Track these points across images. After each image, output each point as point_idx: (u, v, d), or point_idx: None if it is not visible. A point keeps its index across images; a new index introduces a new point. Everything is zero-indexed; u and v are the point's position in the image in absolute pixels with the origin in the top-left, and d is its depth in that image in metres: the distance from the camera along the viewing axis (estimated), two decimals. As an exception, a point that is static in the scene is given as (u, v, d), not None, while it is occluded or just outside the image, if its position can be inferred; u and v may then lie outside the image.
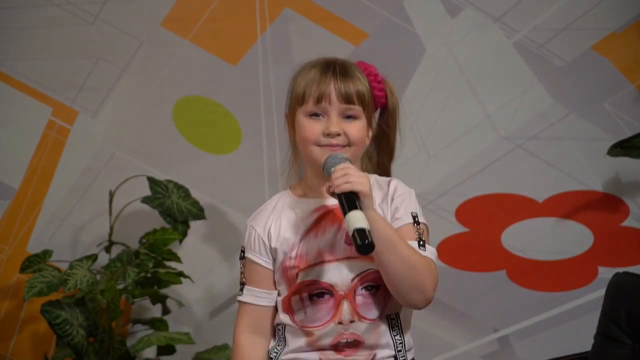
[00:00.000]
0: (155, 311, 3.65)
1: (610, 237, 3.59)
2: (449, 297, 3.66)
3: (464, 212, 3.63)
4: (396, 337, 2.19)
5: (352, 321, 2.15)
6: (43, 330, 3.67)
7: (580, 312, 3.60)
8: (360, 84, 2.20)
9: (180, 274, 3.44)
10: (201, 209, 3.55)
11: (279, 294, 2.23)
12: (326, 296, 2.16)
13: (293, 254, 2.18)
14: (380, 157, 2.33)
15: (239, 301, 2.25)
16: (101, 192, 3.60)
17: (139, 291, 3.42)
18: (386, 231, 2.08)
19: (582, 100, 3.57)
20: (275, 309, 2.24)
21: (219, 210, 3.70)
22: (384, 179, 2.27)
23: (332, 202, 2.18)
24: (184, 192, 3.53)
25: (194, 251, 3.66)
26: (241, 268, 2.27)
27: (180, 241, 3.54)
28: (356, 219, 2.02)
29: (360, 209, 2.03)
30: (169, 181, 3.53)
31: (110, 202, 3.52)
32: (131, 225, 3.58)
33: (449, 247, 3.63)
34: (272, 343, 2.23)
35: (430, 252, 2.17)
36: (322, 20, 3.59)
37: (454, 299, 3.65)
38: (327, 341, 2.16)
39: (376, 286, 2.16)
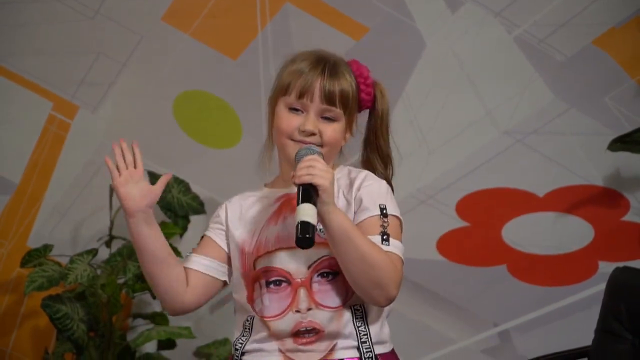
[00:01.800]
0: (156, 305, 3.65)
1: (611, 232, 3.59)
2: (449, 291, 3.66)
3: (464, 207, 3.63)
4: (360, 328, 2.14)
5: (309, 309, 2.12)
6: (43, 325, 3.67)
7: (580, 307, 3.60)
8: (347, 84, 2.19)
9: (181, 269, 3.43)
10: (201, 204, 3.55)
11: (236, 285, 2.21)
12: (283, 284, 2.13)
13: (253, 241, 2.17)
14: (372, 163, 2.30)
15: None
16: (101, 186, 3.59)
17: (140, 285, 3.42)
18: (343, 225, 2.04)
19: (582, 95, 3.57)
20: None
21: (220, 205, 3.69)
22: (358, 170, 2.24)
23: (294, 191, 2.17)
24: (184, 187, 3.54)
25: (194, 246, 3.64)
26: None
27: (181, 235, 3.54)
28: (305, 212, 1.99)
29: (315, 204, 2.01)
30: (170, 176, 3.52)
31: (111, 196, 3.52)
32: (132, 219, 3.58)
33: (450, 241, 3.63)
34: (237, 333, 2.21)
35: (395, 246, 2.11)
36: (322, 15, 3.59)
37: (454, 294, 3.65)
38: (287, 330, 2.13)
39: (333, 273, 2.12)
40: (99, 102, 3.70)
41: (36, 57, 3.68)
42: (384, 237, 2.11)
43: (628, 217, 3.59)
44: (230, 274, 2.23)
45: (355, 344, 2.14)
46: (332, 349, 2.14)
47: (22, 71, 3.68)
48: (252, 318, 2.18)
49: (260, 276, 2.15)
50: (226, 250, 2.23)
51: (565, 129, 3.58)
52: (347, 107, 2.19)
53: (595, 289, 3.54)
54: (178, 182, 3.53)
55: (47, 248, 3.47)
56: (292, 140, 2.16)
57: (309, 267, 2.13)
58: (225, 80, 3.68)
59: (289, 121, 2.17)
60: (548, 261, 3.62)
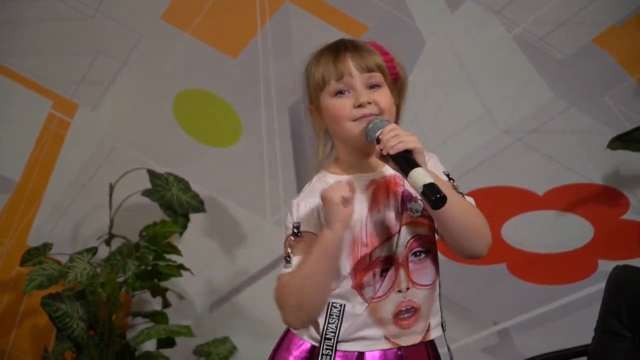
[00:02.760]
0: (156, 304, 3.66)
1: (610, 230, 3.59)
2: (449, 290, 3.64)
3: (464, 206, 3.62)
4: (441, 304, 2.22)
5: (408, 288, 2.15)
6: (43, 323, 3.67)
7: (580, 305, 3.60)
8: (375, 56, 2.19)
9: (181, 267, 3.44)
10: (201, 202, 3.55)
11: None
12: (391, 267, 2.15)
13: (362, 233, 2.15)
14: None
15: (281, 275, 2.14)
16: (101, 185, 3.60)
17: (139, 284, 3.42)
18: (443, 185, 2.05)
19: (582, 94, 3.57)
20: None
21: (219, 203, 3.70)
22: None
23: (381, 174, 2.18)
24: (184, 185, 3.53)
25: (194, 244, 3.66)
26: (288, 245, 2.17)
27: (181, 234, 3.54)
28: (422, 175, 1.99)
29: (419, 166, 2.02)
30: (169, 174, 3.53)
31: (111, 195, 3.52)
32: (131, 218, 3.58)
33: (449, 240, 3.63)
34: (322, 322, 2.16)
35: (473, 201, 2.18)
36: (322, 13, 3.59)
37: (454, 293, 3.65)
38: (390, 309, 2.15)
39: (425, 251, 2.17)
40: (98, 100, 3.70)
41: (36, 56, 3.68)
42: (463, 195, 2.16)
43: (628, 216, 3.59)
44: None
45: (440, 320, 2.23)
46: (427, 330, 2.20)
47: (21, 70, 3.68)
48: (343, 305, 2.17)
49: (376, 265, 2.15)
50: None
51: (565, 127, 3.58)
52: (384, 72, 2.18)
53: (595, 287, 3.54)
54: (178, 181, 3.53)
55: (46, 246, 3.47)
56: (353, 120, 2.13)
57: (405, 247, 2.15)
58: (225, 79, 3.68)
59: (342, 104, 2.15)
60: (548, 260, 3.62)
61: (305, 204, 2.18)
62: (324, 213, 2.12)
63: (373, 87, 2.16)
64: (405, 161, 2.02)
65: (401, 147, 2.03)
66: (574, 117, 3.57)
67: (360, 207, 2.15)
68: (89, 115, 3.70)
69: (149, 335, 3.37)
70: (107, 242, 3.55)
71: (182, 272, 3.45)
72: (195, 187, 3.57)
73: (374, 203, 2.16)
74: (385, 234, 2.15)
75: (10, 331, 3.73)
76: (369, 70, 2.16)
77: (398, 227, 2.14)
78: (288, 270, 2.15)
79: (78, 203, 3.72)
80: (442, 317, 2.24)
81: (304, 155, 3.67)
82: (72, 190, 3.72)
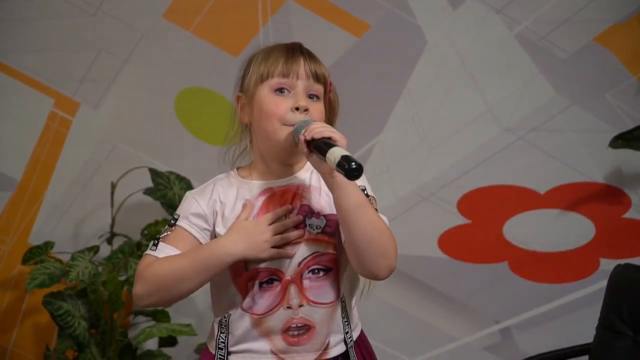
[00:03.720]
0: (157, 303, 3.65)
1: (612, 229, 3.59)
2: (450, 288, 3.66)
3: (465, 204, 3.63)
4: (344, 320, 2.15)
5: (300, 305, 2.10)
6: (45, 322, 3.67)
7: (581, 304, 3.60)
8: (324, 69, 2.16)
9: (182, 266, 3.44)
10: (203, 201, 3.54)
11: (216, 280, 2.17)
12: (274, 282, 2.11)
13: None
14: None
15: (147, 254, 2.15)
16: (103, 183, 3.60)
17: (141, 283, 3.41)
18: (357, 192, 2.02)
19: (583, 92, 3.57)
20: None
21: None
22: None
23: (279, 184, 2.14)
24: (186, 184, 3.53)
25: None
26: (163, 232, 2.18)
27: (182, 233, 3.54)
28: (341, 150, 1.95)
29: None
30: (171, 173, 3.53)
31: (112, 193, 3.52)
32: (133, 216, 3.58)
33: (451, 238, 3.63)
34: (216, 332, 2.18)
35: (386, 220, 2.10)
36: (323, 12, 3.58)
37: (455, 291, 3.65)
38: (277, 326, 2.11)
39: (325, 269, 2.11)
40: (100, 99, 3.70)
41: (37, 54, 3.68)
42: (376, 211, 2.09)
43: (629, 215, 3.59)
44: None
45: (342, 336, 2.15)
46: (326, 348, 2.14)
47: (23, 68, 3.68)
48: (229, 316, 2.16)
49: (254, 276, 2.12)
50: None
51: (567, 126, 3.58)
52: (325, 88, 2.15)
53: (596, 286, 3.54)
54: (179, 179, 3.52)
55: (48, 245, 3.47)
56: (285, 125, 2.09)
57: (299, 264, 2.10)
58: (227, 77, 3.66)
59: (278, 102, 2.10)
60: (549, 258, 3.62)
61: (192, 200, 2.20)
62: (213, 218, 2.14)
63: (312, 97, 2.12)
64: (326, 145, 1.98)
65: (326, 133, 1.99)
66: (576, 116, 3.57)
67: (246, 211, 2.13)
68: (90, 114, 3.70)
69: (151, 334, 3.37)
70: (109, 241, 3.55)
71: (184, 270, 3.45)
72: (196, 185, 3.56)
73: (261, 212, 2.13)
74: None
75: (12, 329, 3.73)
76: (316, 78, 2.12)
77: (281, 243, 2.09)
78: (154, 253, 2.13)
79: (79, 202, 3.71)
80: (348, 332, 2.16)
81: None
82: (73, 188, 3.71)
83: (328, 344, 2.14)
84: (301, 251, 2.10)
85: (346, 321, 2.15)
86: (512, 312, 3.65)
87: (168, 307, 2.17)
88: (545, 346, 3.07)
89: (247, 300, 2.13)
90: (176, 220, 2.18)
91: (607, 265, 3.54)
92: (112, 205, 3.53)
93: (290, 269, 2.10)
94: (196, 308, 3.74)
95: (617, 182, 3.58)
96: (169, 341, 3.55)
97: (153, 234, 3.45)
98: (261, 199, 2.15)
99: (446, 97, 3.62)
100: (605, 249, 3.60)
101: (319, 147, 1.99)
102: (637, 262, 2.95)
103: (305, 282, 2.11)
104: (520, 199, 3.61)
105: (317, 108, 2.12)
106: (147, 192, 3.49)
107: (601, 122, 3.56)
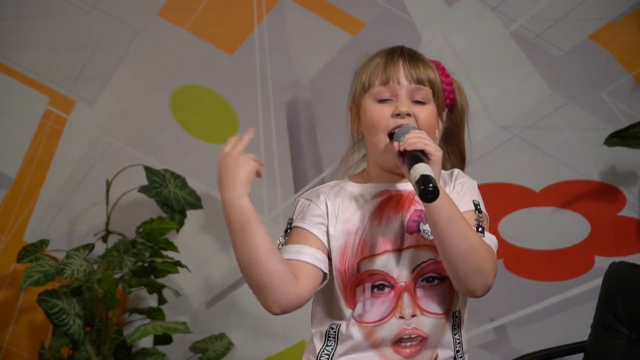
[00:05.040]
0: (152, 301, 3.65)
1: (607, 227, 3.59)
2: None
3: (460, 202, 3.62)
4: (456, 337, 2.07)
5: (413, 315, 2.02)
6: (40, 320, 3.67)
7: (577, 302, 3.60)
8: (431, 70, 2.07)
9: (177, 264, 3.44)
10: (198, 199, 3.55)
11: (330, 284, 2.06)
12: (386, 289, 2.02)
13: (356, 241, 2.03)
14: (452, 160, 2.18)
15: None
16: (98, 181, 3.60)
17: (136, 281, 3.42)
18: (450, 206, 1.93)
19: (579, 90, 3.57)
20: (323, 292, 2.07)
21: (216, 200, 3.68)
22: (446, 171, 2.11)
23: (396, 187, 2.06)
24: (181, 182, 3.53)
25: (190, 241, 3.66)
26: (280, 240, 2.07)
27: (177, 230, 3.54)
28: (424, 168, 1.87)
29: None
30: (166, 170, 3.53)
31: (107, 191, 3.52)
32: (128, 214, 3.58)
33: (446, 236, 3.62)
34: (319, 345, 2.07)
35: (491, 240, 2.03)
36: (319, 9, 3.58)
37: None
38: (389, 336, 2.02)
39: (439, 278, 2.03)
40: (95, 96, 3.70)
41: (33, 52, 3.68)
42: (479, 230, 2.02)
43: (624, 212, 3.59)
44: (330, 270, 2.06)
45: (452, 354, 2.07)
46: None
47: (18, 65, 3.68)
48: (338, 326, 2.06)
49: (365, 279, 2.03)
50: (327, 247, 2.05)
51: (562, 123, 3.58)
52: (435, 88, 2.06)
53: (591, 284, 3.54)
54: (175, 177, 3.53)
55: (43, 243, 3.47)
56: (387, 134, 2.00)
57: (412, 271, 2.02)
58: (222, 75, 3.68)
59: (381, 111, 2.02)
60: (544, 256, 3.62)
61: (305, 201, 2.09)
62: (326, 216, 2.03)
63: (418, 102, 2.04)
64: (415, 158, 1.90)
65: (419, 145, 1.91)
66: (571, 114, 3.57)
67: (362, 214, 2.05)
68: (85, 112, 3.70)
69: (146, 332, 3.37)
70: (104, 239, 3.54)
71: (179, 268, 3.45)
72: (192, 183, 3.56)
73: (376, 213, 2.05)
74: (380, 248, 2.02)
75: (7, 327, 3.73)
76: (419, 81, 2.04)
77: (398, 246, 2.02)
78: None
79: (75, 199, 3.71)
80: (459, 351, 2.08)
81: (300, 150, 3.67)
82: (68, 186, 3.71)
83: (436, 357, 2.06)
84: (415, 257, 2.02)
85: (458, 339, 2.08)
86: (507, 309, 3.65)
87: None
88: (541, 344, 3.08)
89: (359, 307, 2.03)
90: (288, 224, 2.08)
91: (602, 263, 3.53)
92: (107, 203, 3.53)
93: (402, 275, 2.02)
94: (191, 306, 3.73)
95: (612, 180, 3.58)
96: (163, 339, 3.55)
97: (148, 231, 3.45)
98: (377, 200, 2.06)
99: (441, 95, 3.61)
100: (601, 246, 3.59)
101: (410, 159, 1.92)
102: (632, 260, 2.95)
103: (419, 291, 2.03)
104: (516, 197, 3.61)
105: (424, 111, 2.03)
106: (142, 189, 3.48)
107: (596, 120, 3.56)
